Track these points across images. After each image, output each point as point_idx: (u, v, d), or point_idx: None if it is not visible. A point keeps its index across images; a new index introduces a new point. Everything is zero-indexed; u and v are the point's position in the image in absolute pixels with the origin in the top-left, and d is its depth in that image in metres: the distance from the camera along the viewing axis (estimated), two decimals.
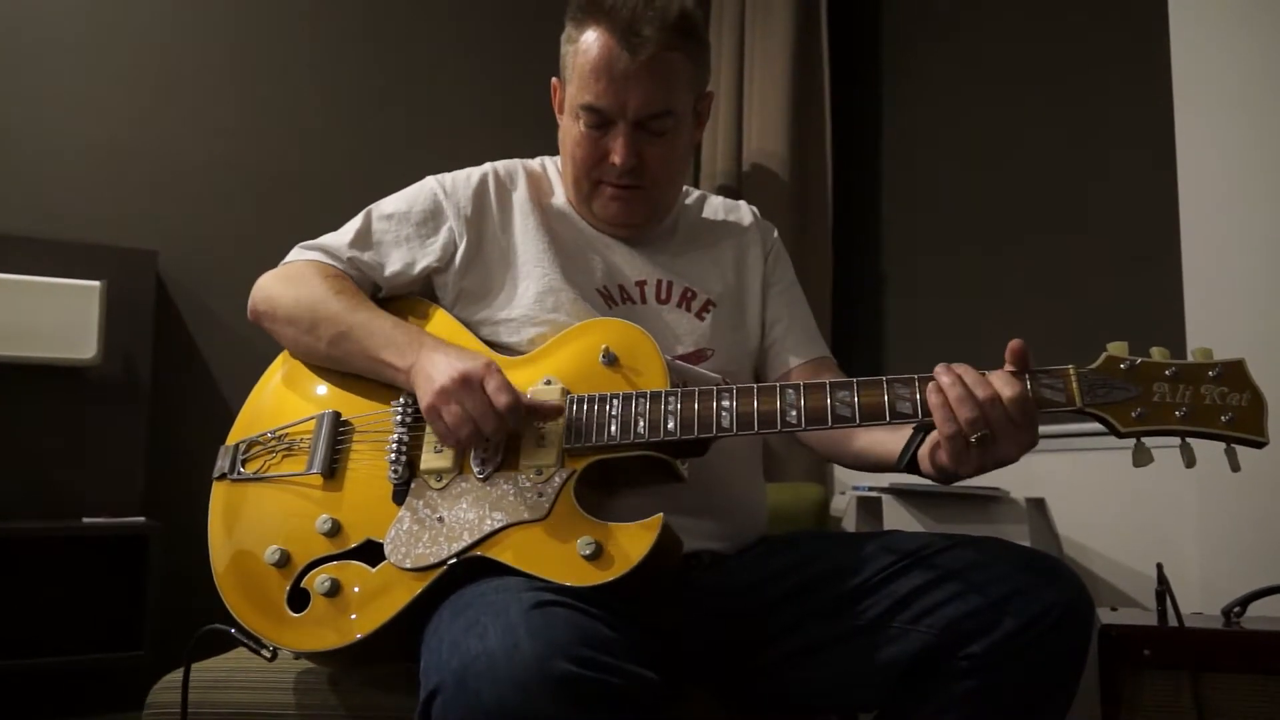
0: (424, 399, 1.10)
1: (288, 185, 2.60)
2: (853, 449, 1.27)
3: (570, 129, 1.28)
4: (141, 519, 2.18)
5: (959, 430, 0.98)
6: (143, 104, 2.49)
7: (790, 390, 1.05)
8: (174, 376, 2.39)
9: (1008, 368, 1.02)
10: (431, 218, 1.30)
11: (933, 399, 0.99)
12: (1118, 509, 2.01)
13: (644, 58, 1.20)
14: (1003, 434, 0.98)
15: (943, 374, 1.00)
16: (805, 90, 2.66)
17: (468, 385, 1.07)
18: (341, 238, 1.31)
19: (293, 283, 1.27)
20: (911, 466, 1.12)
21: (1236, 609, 1.46)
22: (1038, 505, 2.09)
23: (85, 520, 2.13)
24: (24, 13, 2.39)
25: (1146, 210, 2.12)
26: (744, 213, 1.45)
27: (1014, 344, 1.01)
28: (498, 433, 1.08)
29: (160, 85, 2.51)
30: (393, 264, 1.29)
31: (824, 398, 1.04)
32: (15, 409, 2.16)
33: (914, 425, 1.08)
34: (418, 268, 1.29)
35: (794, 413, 1.04)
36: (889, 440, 1.17)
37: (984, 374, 1.00)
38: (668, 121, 1.25)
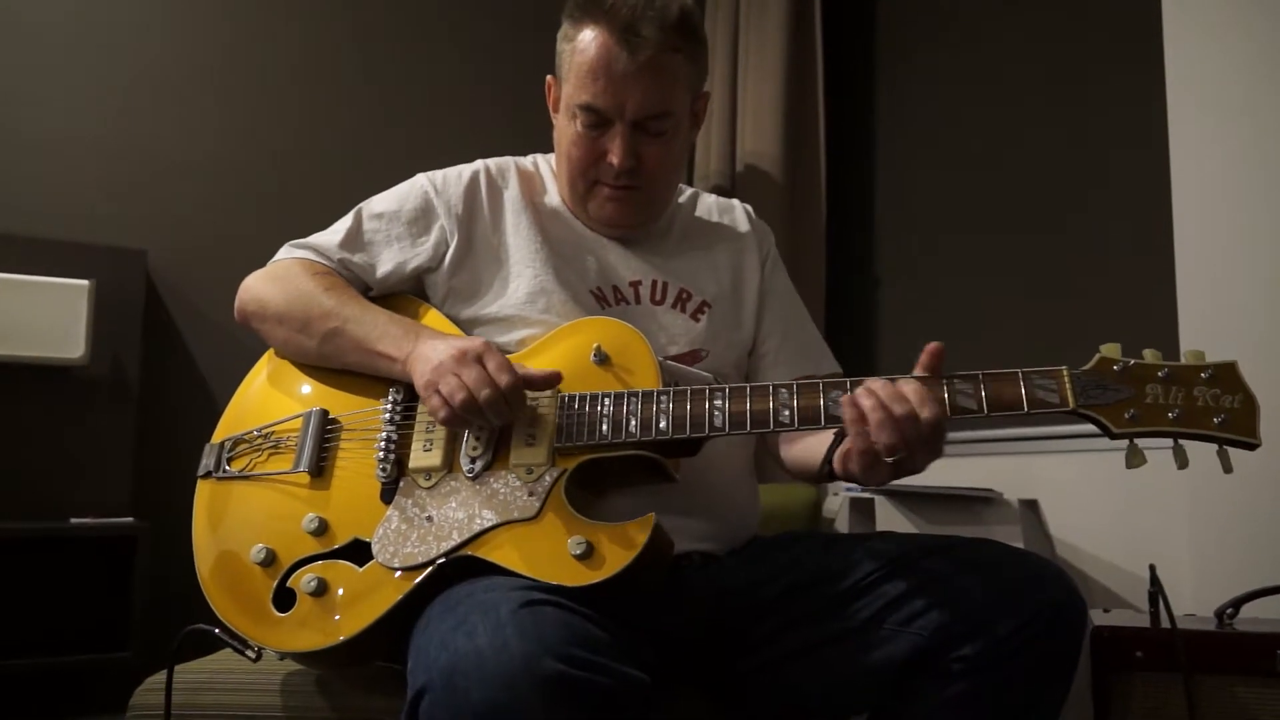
0: (421, 379, 1.09)
1: (278, 185, 2.59)
2: (787, 458, 1.28)
3: (566, 128, 1.27)
4: (129, 519, 2.17)
5: (874, 451, 0.98)
6: (133, 103, 2.48)
7: (783, 390, 1.05)
8: (163, 376, 2.38)
9: (919, 371, 1.02)
10: (422, 216, 1.29)
11: (848, 414, 0.99)
12: (1110, 510, 2.01)
13: (643, 58, 1.19)
14: (915, 449, 0.98)
15: (863, 398, 0.99)
16: (799, 90, 2.66)
17: (465, 359, 1.06)
18: (332, 237, 1.29)
19: (281, 281, 1.25)
20: (831, 473, 1.12)
21: (1229, 610, 1.46)
22: (1030, 506, 2.09)
23: (73, 521, 2.12)
24: (13, 12, 2.38)
25: (1140, 210, 2.13)
26: (739, 214, 1.44)
27: (931, 346, 1.02)
28: (495, 407, 1.05)
29: (150, 84, 2.50)
30: (384, 265, 1.28)
31: (816, 397, 1.03)
32: (3, 408, 2.15)
33: (835, 431, 1.09)
34: (409, 267, 1.28)
35: (786, 412, 1.04)
36: (815, 448, 1.18)
37: (899, 388, 0.99)
38: (666, 122, 1.24)
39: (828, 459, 1.11)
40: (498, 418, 1.08)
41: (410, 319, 1.21)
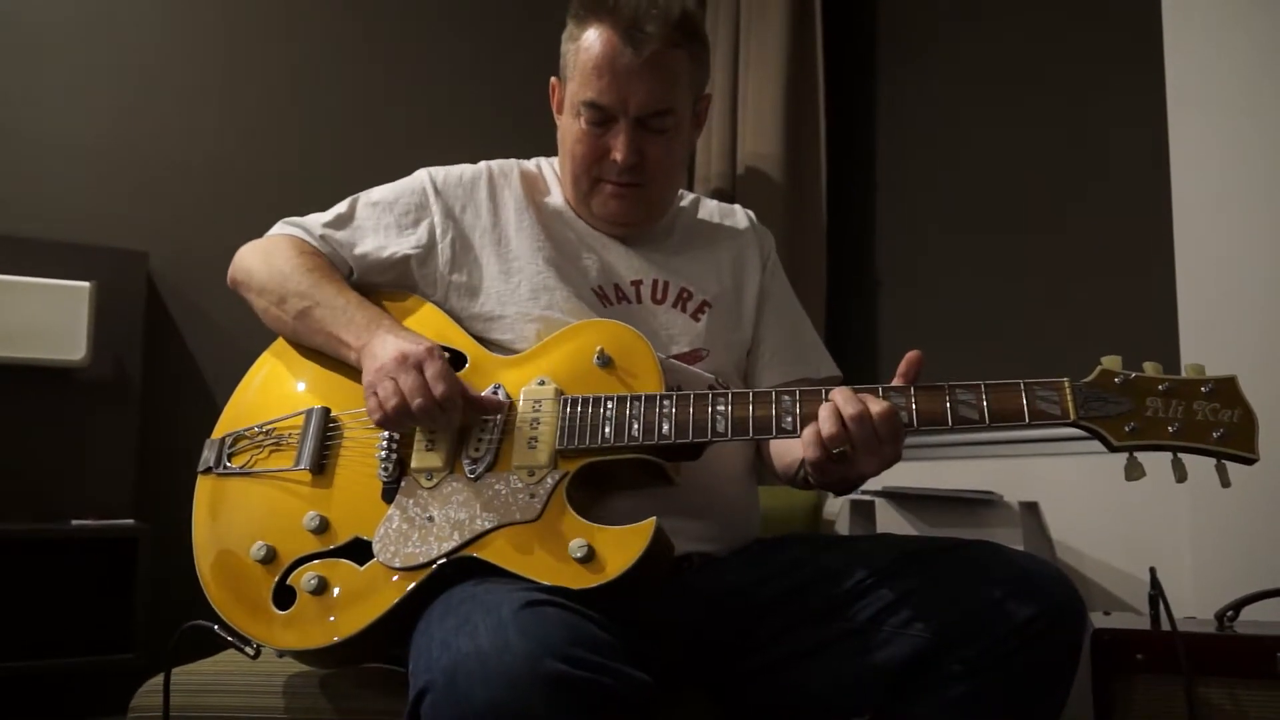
0: (365, 376, 1.12)
1: (279, 186, 2.59)
2: (780, 465, 1.29)
3: (570, 126, 1.28)
4: (131, 521, 2.17)
5: (819, 441, 1.00)
6: (134, 104, 2.48)
7: (786, 396, 1.06)
8: (164, 378, 2.38)
9: (897, 380, 1.04)
10: (415, 210, 1.31)
11: (806, 430, 1.02)
12: (1111, 513, 2.01)
13: (647, 55, 1.21)
14: (864, 449, 1.00)
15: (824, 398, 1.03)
16: (800, 91, 2.66)
17: (404, 363, 1.08)
18: (321, 217, 1.33)
19: (268, 255, 1.28)
20: (806, 479, 1.15)
21: (1230, 613, 1.46)
22: (1031, 509, 2.09)
23: (74, 522, 2.12)
24: (14, 12, 2.38)
25: (1142, 212, 2.13)
26: (740, 217, 1.45)
27: (910, 355, 1.04)
28: (428, 415, 1.07)
29: (151, 85, 2.50)
30: (363, 245, 1.29)
31: (819, 404, 1.04)
32: (4, 410, 2.14)
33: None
34: (388, 252, 1.29)
35: (789, 418, 1.04)
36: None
37: (857, 392, 1.02)
38: (669, 119, 1.25)
39: (803, 464, 1.13)
40: (432, 425, 1.09)
41: (376, 309, 1.22)
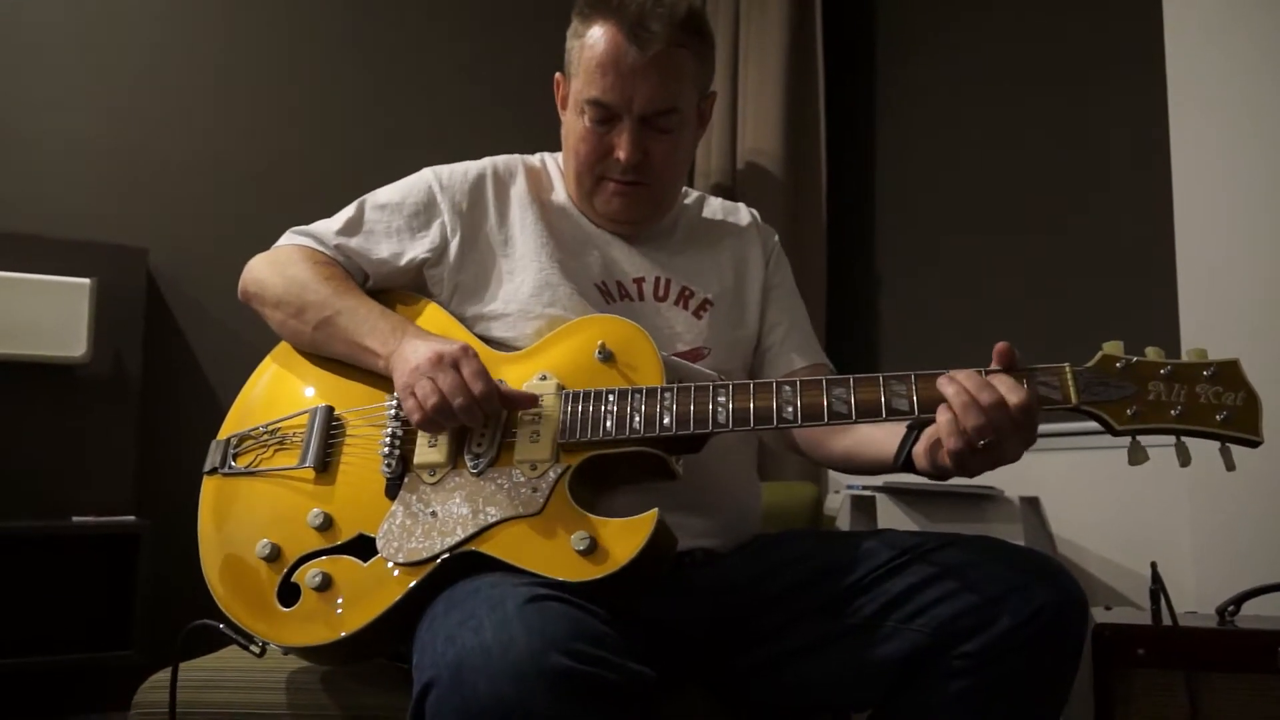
0: (398, 380, 1.11)
1: (279, 183, 2.59)
2: (839, 451, 1.27)
3: (574, 124, 1.28)
4: (131, 518, 2.17)
5: (966, 438, 0.97)
6: (134, 101, 2.48)
7: (786, 387, 1.05)
8: (164, 374, 2.38)
9: (994, 366, 1.01)
10: (424, 210, 1.30)
11: (941, 417, 0.98)
12: (1112, 508, 2.01)
13: (652, 53, 1.20)
14: (1006, 437, 0.97)
15: (946, 385, 0.98)
16: (800, 88, 2.66)
17: (440, 363, 1.08)
18: (331, 225, 1.31)
19: (282, 266, 1.27)
20: (907, 464, 1.12)
21: (1230, 608, 1.46)
22: (1032, 504, 2.09)
23: (75, 519, 2.12)
24: (14, 11, 2.38)
25: (1142, 208, 2.13)
26: (743, 214, 1.45)
27: (1000, 346, 1.01)
28: (468, 413, 1.07)
29: (151, 82, 2.50)
30: (379, 252, 1.29)
31: (820, 395, 1.03)
32: (4, 407, 2.15)
33: (908, 424, 1.08)
34: (405, 258, 1.28)
35: (790, 409, 1.04)
36: (882, 441, 1.17)
37: (987, 378, 0.98)
38: (673, 118, 1.25)
39: (905, 451, 1.11)
40: (472, 423, 1.09)
41: (401, 316, 1.21)
